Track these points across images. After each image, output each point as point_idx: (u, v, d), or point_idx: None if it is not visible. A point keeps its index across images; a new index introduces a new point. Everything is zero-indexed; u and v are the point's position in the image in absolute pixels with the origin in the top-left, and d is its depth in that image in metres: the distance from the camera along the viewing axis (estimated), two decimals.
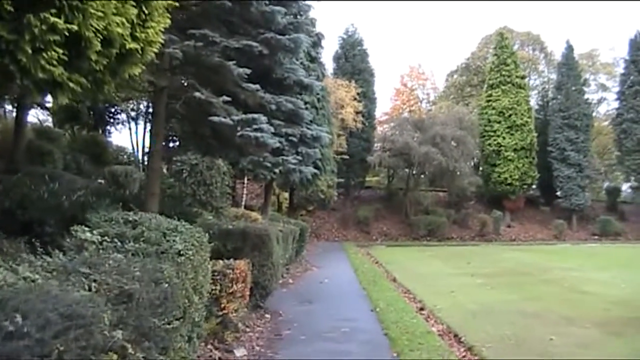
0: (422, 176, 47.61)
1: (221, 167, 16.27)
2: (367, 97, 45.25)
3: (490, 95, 48.08)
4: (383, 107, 54.74)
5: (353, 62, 46.40)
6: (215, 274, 7.81)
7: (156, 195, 9.78)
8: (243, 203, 27.73)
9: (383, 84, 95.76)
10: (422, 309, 13.39)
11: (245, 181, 28.13)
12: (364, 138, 45.52)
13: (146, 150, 25.64)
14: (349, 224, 44.61)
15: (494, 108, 47.52)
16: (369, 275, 19.26)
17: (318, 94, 21.54)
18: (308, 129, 9.40)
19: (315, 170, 10.98)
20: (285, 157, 8.84)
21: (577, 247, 38.47)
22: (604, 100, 62.92)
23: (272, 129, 8.53)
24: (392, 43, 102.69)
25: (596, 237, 46.15)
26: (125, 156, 25.76)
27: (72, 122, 25.02)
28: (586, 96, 51.12)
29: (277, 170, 9.69)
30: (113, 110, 28.62)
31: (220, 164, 16.22)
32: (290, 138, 9.05)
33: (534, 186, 50.58)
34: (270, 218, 22.83)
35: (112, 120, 29.48)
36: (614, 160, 57.47)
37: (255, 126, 8.26)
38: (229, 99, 8.18)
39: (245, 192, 28.50)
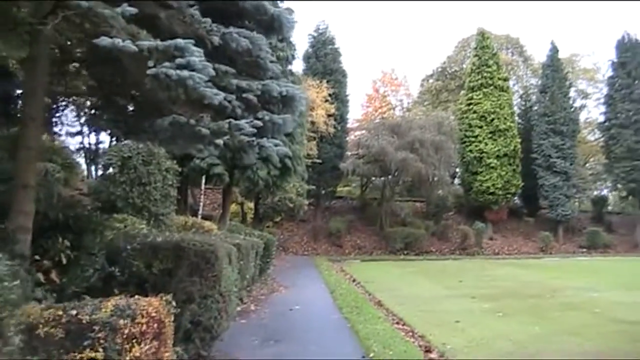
0: (398, 185, 44.37)
1: (163, 163, 12.56)
2: (339, 99, 41.75)
3: (471, 99, 45.17)
4: (354, 114, 51.26)
5: (324, 62, 42.88)
6: (95, 327, 4.21)
7: (30, 188, 6.11)
8: (200, 212, 23.99)
9: (354, 90, 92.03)
10: (428, 350, 9.86)
11: (203, 187, 24.43)
12: (336, 144, 41.94)
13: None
14: (319, 236, 41.06)
15: (475, 112, 44.58)
16: (349, 299, 15.65)
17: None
18: (273, 83, 5.83)
19: (286, 149, 7.53)
20: (235, 122, 5.35)
21: (570, 262, 35.40)
22: (584, 107, 60.47)
23: (213, 73, 5.04)
24: (362, 47, 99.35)
25: (584, 250, 43.28)
26: (59, 157, 21.75)
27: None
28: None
29: (219, 143, 6.09)
30: (56, 106, 24.63)
31: (162, 158, 12.52)
32: (245, 95, 5.53)
33: (516, 196, 47.53)
34: (230, 229, 19.19)
35: (56, 118, 25.48)
36: (596, 170, 55.08)
37: (180, 60, 4.77)
38: (133, 10, 4.64)
39: (202, 199, 24.73)
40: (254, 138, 5.74)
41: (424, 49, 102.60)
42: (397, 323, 12.71)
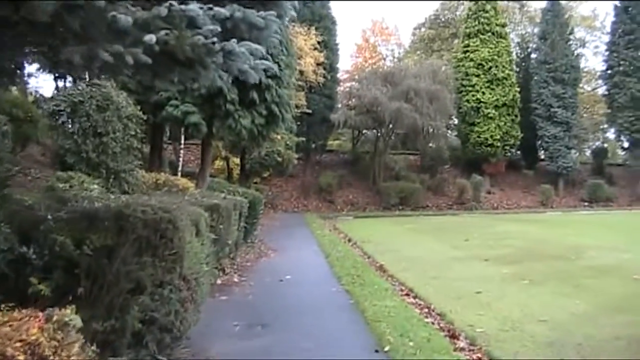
0: (392, 138, 42.28)
1: (123, 109, 10.33)
2: (328, 47, 39.13)
3: (468, 46, 42.71)
4: (343, 65, 48.78)
5: (312, 8, 40.21)
6: None
7: None
8: (180, 169, 21.83)
9: (343, 41, 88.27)
10: (454, 336, 7.86)
11: (183, 141, 22.24)
12: (325, 94, 39.54)
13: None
14: (309, 192, 39.08)
15: (472, 60, 42.14)
16: (348, 265, 13.61)
17: None
18: None
19: (269, 63, 5.62)
20: (182, 7, 3.32)
21: (576, 216, 33.71)
22: (581, 56, 58.13)
23: None
24: None
25: (586, 203, 41.60)
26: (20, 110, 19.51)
27: None
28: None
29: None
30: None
31: (120, 101, 10.28)
32: None
33: (515, 148, 45.48)
34: (211, 187, 17.07)
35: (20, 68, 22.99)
36: (595, 120, 53.17)
37: None
38: None
39: (181, 154, 22.52)
40: (215, 40, 3.58)
41: None
42: (407, 295, 10.74)
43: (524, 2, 57.21)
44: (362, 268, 13.30)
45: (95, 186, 8.67)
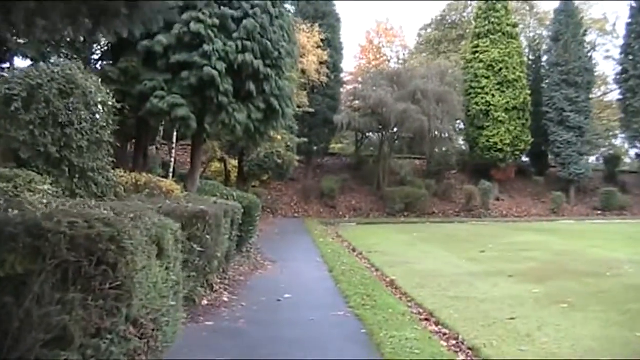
0: (397, 141, 40.64)
1: (92, 95, 8.59)
2: (332, 46, 37.64)
3: (477, 47, 40.96)
4: (347, 66, 47.12)
5: (316, 5, 38.73)
6: None
7: None
8: (172, 170, 20.13)
9: (346, 42, 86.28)
10: None
11: (175, 139, 20.52)
12: (329, 95, 38.13)
13: None
14: (311, 197, 37.61)
15: (481, 61, 40.39)
16: (355, 281, 11.90)
17: None
18: None
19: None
20: None
21: (591, 226, 31.91)
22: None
23: None
24: None
25: (599, 212, 39.85)
26: None
27: None
28: None
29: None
30: None
31: (88, 85, 8.56)
32: None
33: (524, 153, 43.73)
34: (203, 189, 15.40)
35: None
36: (607, 126, 51.49)
37: None
38: None
39: (173, 153, 20.79)
40: None
41: None
42: (427, 320, 9.05)
43: (534, 2, 55.64)
44: (372, 285, 11.59)
45: (48, 187, 6.98)
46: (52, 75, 8.24)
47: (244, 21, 13.18)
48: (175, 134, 19.68)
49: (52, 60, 8.65)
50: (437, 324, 8.80)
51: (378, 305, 9.43)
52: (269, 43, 12.99)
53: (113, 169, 9.85)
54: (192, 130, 13.40)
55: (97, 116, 8.68)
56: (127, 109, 9.93)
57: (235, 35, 12.98)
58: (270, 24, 13.19)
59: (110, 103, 9.06)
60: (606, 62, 54.92)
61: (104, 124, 8.81)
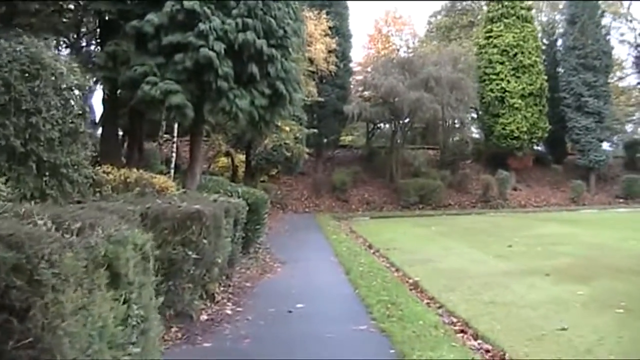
0: (410, 131, 39.30)
1: (63, 77, 7.27)
2: (340, 33, 36.31)
3: (491, 31, 39.48)
4: (355, 56, 45.77)
5: None
6: None
7: None
8: (173, 167, 18.82)
9: (355, 31, 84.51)
10: None
11: (176, 131, 19.20)
12: (338, 84, 36.92)
13: None
14: (321, 191, 36.42)
15: (495, 46, 38.90)
16: (376, 285, 10.57)
17: None
18: None
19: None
20: None
21: (616, 215, 30.65)
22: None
23: None
24: None
25: (621, 200, 38.39)
26: None
27: None
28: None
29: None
30: None
31: (58, 66, 7.23)
32: None
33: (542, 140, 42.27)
34: (204, 185, 14.12)
35: None
36: (624, 111, 49.87)
37: None
38: None
39: (174, 147, 19.47)
40: None
41: None
42: (463, 332, 7.74)
43: None
44: (395, 289, 10.27)
45: (2, 187, 5.69)
46: (14, 54, 6.91)
47: None
48: (176, 127, 18.39)
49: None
50: (475, 337, 7.50)
51: (405, 316, 8.11)
52: (272, 20, 11.63)
53: (95, 164, 8.58)
54: (189, 119, 12.03)
55: (72, 102, 7.34)
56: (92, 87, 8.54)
57: (234, 12, 11.62)
58: None
59: (87, 87, 7.71)
60: (621, 46, 52.97)
61: (79, 112, 7.47)
